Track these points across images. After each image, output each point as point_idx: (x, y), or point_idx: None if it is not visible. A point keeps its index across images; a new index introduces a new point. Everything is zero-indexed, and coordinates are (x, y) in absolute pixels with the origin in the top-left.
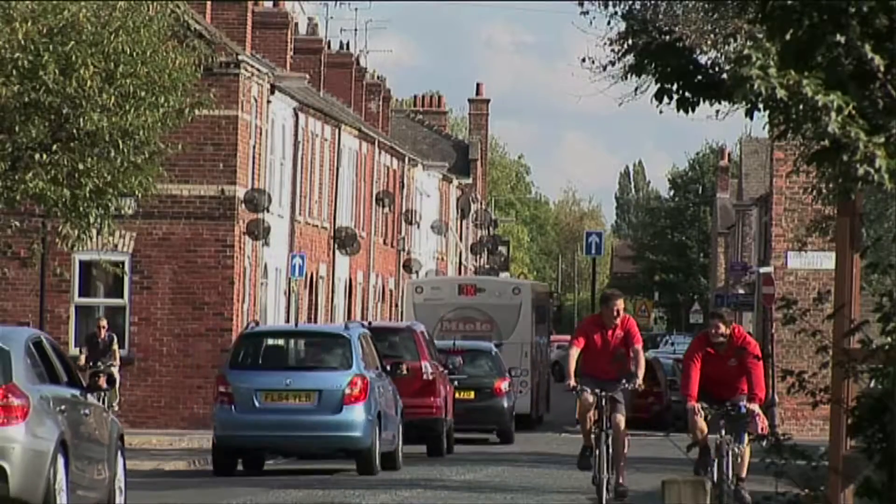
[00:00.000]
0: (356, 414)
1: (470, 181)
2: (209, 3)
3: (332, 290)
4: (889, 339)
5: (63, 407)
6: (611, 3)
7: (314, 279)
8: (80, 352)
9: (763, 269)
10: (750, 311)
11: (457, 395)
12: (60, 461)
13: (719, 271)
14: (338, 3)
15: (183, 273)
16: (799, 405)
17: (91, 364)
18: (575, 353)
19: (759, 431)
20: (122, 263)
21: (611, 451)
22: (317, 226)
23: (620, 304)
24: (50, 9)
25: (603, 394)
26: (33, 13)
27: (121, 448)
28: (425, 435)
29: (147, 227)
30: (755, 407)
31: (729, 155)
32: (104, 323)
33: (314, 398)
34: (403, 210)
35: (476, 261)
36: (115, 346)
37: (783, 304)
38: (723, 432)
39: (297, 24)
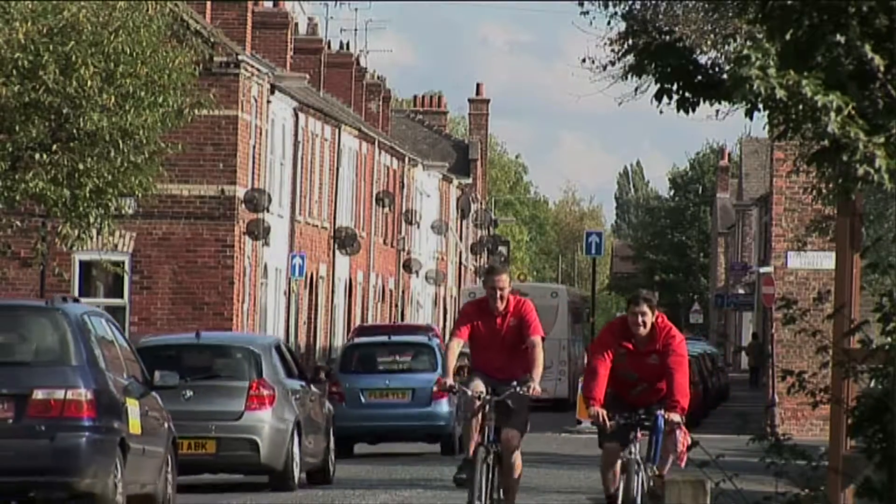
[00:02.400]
0: (442, 407)
1: (470, 181)
2: (209, 2)
3: (332, 290)
4: (889, 339)
5: (297, 395)
6: (611, 3)
7: (314, 279)
8: None
9: (763, 269)
10: (750, 311)
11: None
12: (296, 437)
13: (719, 271)
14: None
15: (183, 273)
16: (799, 405)
17: None
18: (455, 346)
19: (679, 449)
20: (122, 263)
21: (494, 477)
22: (317, 226)
23: (504, 280)
24: (50, 9)
25: (488, 397)
26: (33, 13)
27: (332, 426)
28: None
29: (147, 227)
30: (676, 418)
31: (729, 155)
32: None
33: (408, 395)
34: (403, 210)
35: (476, 261)
36: None
37: (783, 304)
38: (633, 448)
39: (297, 24)
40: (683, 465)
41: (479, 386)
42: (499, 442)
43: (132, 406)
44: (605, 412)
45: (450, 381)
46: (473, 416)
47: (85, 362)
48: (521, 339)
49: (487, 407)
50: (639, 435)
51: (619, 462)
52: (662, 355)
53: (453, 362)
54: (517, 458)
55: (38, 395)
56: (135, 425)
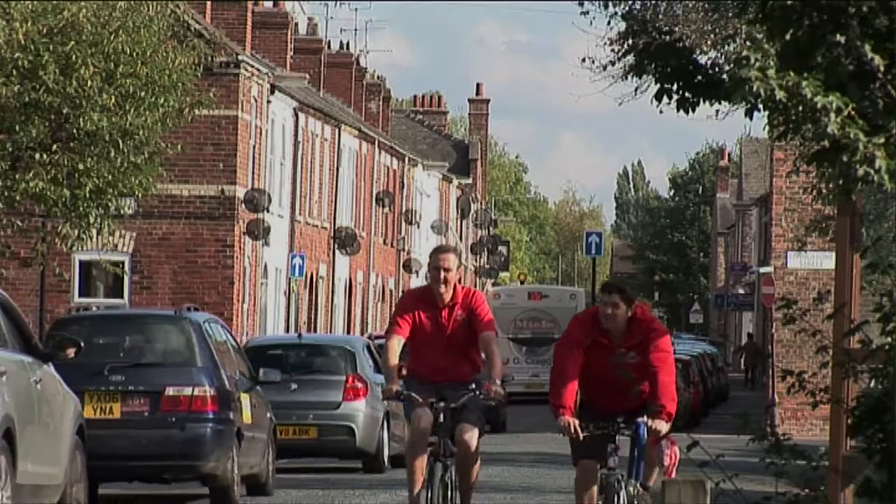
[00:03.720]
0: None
1: (470, 181)
2: (209, 3)
3: (332, 290)
4: (889, 339)
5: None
6: (611, 3)
7: (314, 279)
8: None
9: (763, 269)
10: (750, 311)
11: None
12: (386, 425)
13: (719, 271)
14: (338, 3)
15: (183, 273)
16: (799, 405)
17: None
18: (396, 344)
19: (666, 462)
20: (122, 263)
21: (454, 492)
22: (317, 226)
23: (450, 260)
24: (50, 9)
25: (442, 405)
26: (33, 13)
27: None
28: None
29: (147, 227)
30: (662, 426)
31: (729, 155)
32: None
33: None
34: (403, 210)
35: (476, 261)
36: None
37: (783, 304)
38: (612, 463)
39: (297, 24)
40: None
41: (425, 402)
42: (452, 456)
43: (244, 399)
44: (576, 422)
45: (396, 385)
46: (424, 433)
47: (207, 363)
48: (470, 337)
49: (442, 417)
50: (618, 447)
51: (598, 482)
52: (643, 352)
53: (395, 362)
54: (476, 460)
55: (170, 391)
56: (247, 416)
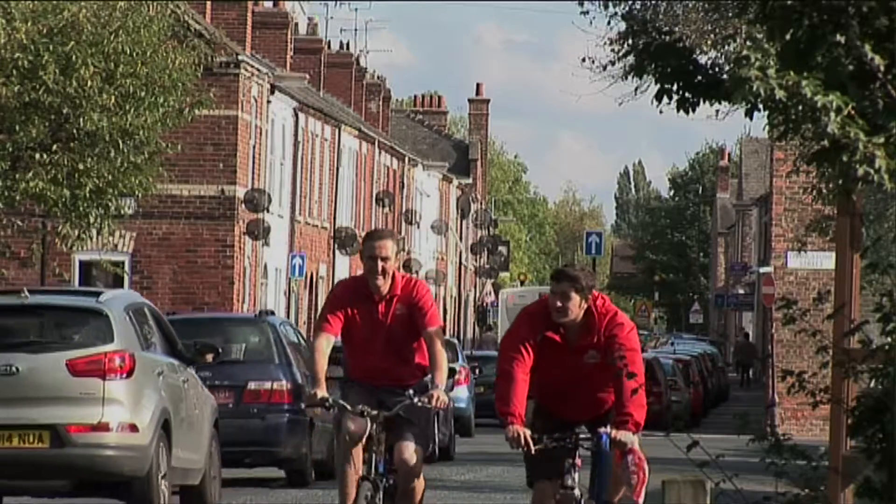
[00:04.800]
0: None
1: (470, 181)
2: (209, 3)
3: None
4: (889, 339)
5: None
6: (611, 3)
7: (314, 279)
8: None
9: (763, 269)
10: (750, 311)
11: None
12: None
13: (719, 271)
14: (338, 3)
15: (183, 273)
16: (799, 405)
17: None
18: (324, 344)
19: (634, 480)
20: (122, 263)
21: None
22: (317, 226)
23: (387, 247)
24: (50, 9)
25: (375, 413)
26: (33, 13)
27: None
28: None
29: (147, 227)
30: (628, 437)
31: (729, 155)
32: None
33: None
34: (403, 210)
35: (476, 261)
36: None
37: (783, 304)
38: (569, 481)
39: (297, 24)
40: (640, 501)
41: (356, 410)
42: (391, 473)
43: None
44: (527, 432)
45: (321, 391)
46: (355, 444)
47: (283, 361)
48: (413, 334)
49: (374, 427)
50: (578, 462)
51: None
52: (605, 351)
53: (324, 365)
54: (418, 482)
55: (251, 386)
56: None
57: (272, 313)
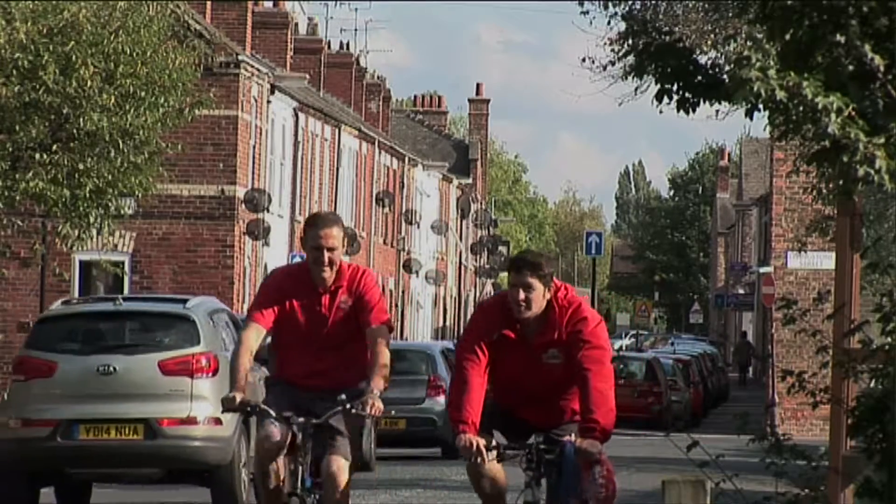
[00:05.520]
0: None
1: (470, 181)
2: (209, 3)
3: None
4: (889, 339)
5: None
6: (611, 3)
7: None
8: None
9: (763, 269)
10: (750, 311)
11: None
12: None
13: (719, 271)
14: (338, 3)
15: (183, 273)
16: (799, 405)
17: None
18: (253, 337)
19: (602, 494)
20: (122, 263)
21: None
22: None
23: (334, 237)
24: (50, 9)
25: (302, 420)
26: (33, 13)
27: None
28: None
29: (147, 227)
30: (595, 447)
31: (729, 155)
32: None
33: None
34: (403, 210)
35: (476, 261)
36: None
37: (783, 304)
38: (534, 495)
39: (297, 24)
40: None
41: (278, 418)
42: (317, 487)
43: None
44: (481, 441)
45: (238, 395)
46: (273, 457)
47: None
48: (357, 331)
49: (301, 436)
50: (540, 475)
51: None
52: (569, 349)
53: (247, 364)
54: (343, 498)
55: None
56: None
57: None
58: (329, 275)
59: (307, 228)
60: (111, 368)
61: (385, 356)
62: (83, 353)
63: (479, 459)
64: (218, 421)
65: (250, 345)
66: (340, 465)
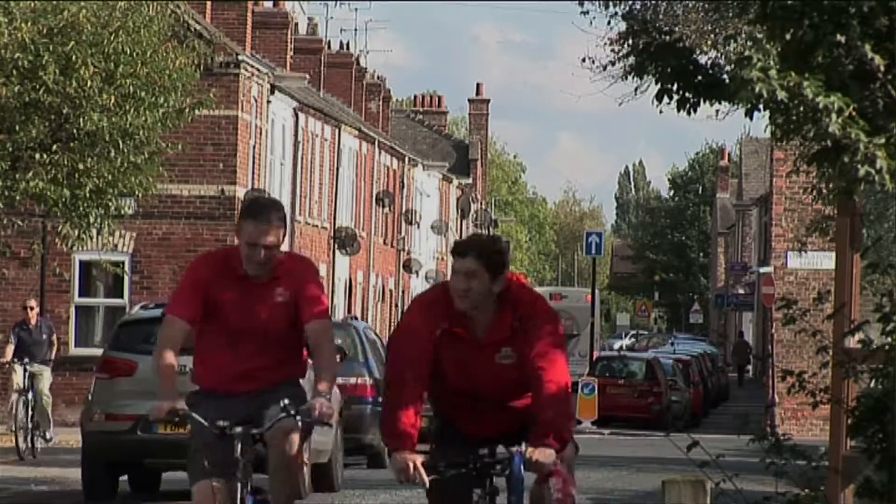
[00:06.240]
0: None
1: (470, 181)
2: (209, 3)
3: (332, 290)
4: (889, 339)
5: None
6: (611, 3)
7: None
8: (10, 341)
9: (763, 269)
10: (750, 311)
11: None
12: None
13: (719, 271)
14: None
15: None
16: (799, 405)
17: (17, 360)
18: (176, 333)
19: None
20: (122, 263)
21: None
22: (317, 226)
23: (273, 233)
24: (50, 9)
25: (241, 430)
26: (33, 13)
27: None
28: None
29: (147, 227)
30: (548, 457)
31: (729, 155)
32: (33, 303)
33: None
34: (403, 210)
35: None
36: (55, 338)
37: (783, 304)
38: None
39: (297, 24)
40: None
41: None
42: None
43: None
44: (418, 459)
45: (170, 402)
46: (212, 473)
47: (366, 360)
48: (296, 327)
49: (240, 446)
50: (492, 492)
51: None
52: (521, 345)
53: (175, 363)
54: (298, 469)
55: (338, 380)
56: None
57: (356, 318)
58: (261, 264)
59: (243, 219)
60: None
61: (331, 354)
62: None
63: (416, 481)
64: None
65: (175, 343)
66: (291, 436)
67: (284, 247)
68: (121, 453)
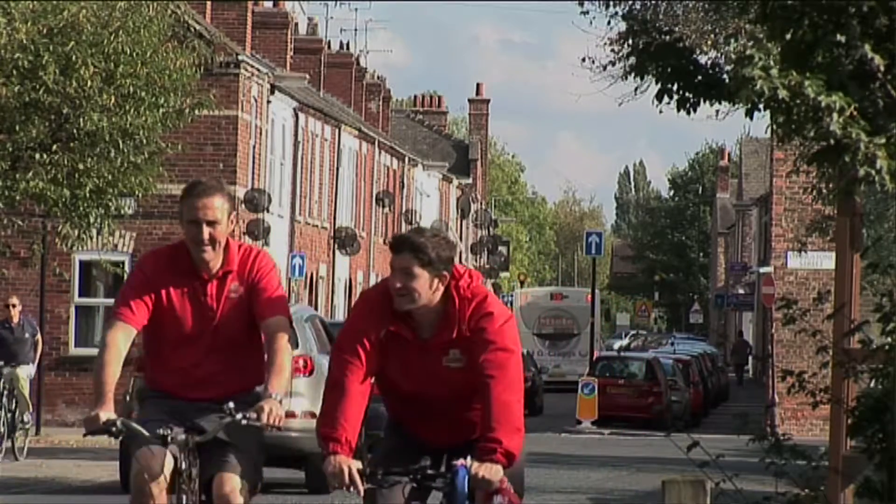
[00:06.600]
0: None
1: (470, 181)
2: (209, 3)
3: (332, 290)
4: (889, 339)
5: None
6: (611, 3)
7: (314, 279)
8: None
9: (763, 269)
10: (750, 311)
11: None
12: None
13: (719, 271)
14: (338, 3)
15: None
16: (799, 405)
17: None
18: (120, 339)
19: None
20: (122, 263)
21: None
22: (317, 226)
23: (216, 207)
24: (50, 9)
25: (182, 438)
26: (33, 13)
27: None
28: None
29: (147, 227)
30: (495, 472)
31: (729, 155)
32: (15, 301)
33: None
34: (403, 210)
35: (476, 261)
36: (38, 338)
37: (783, 304)
38: None
39: (297, 24)
40: None
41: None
42: None
43: None
44: (354, 466)
45: (107, 411)
46: (149, 480)
47: None
48: (251, 327)
49: (182, 454)
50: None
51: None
52: (470, 350)
53: (116, 372)
54: None
55: None
56: None
57: None
58: (212, 255)
59: (183, 199)
60: None
61: (285, 353)
62: None
63: (351, 489)
64: (313, 415)
65: (118, 350)
66: (234, 486)
67: (284, 247)
68: None
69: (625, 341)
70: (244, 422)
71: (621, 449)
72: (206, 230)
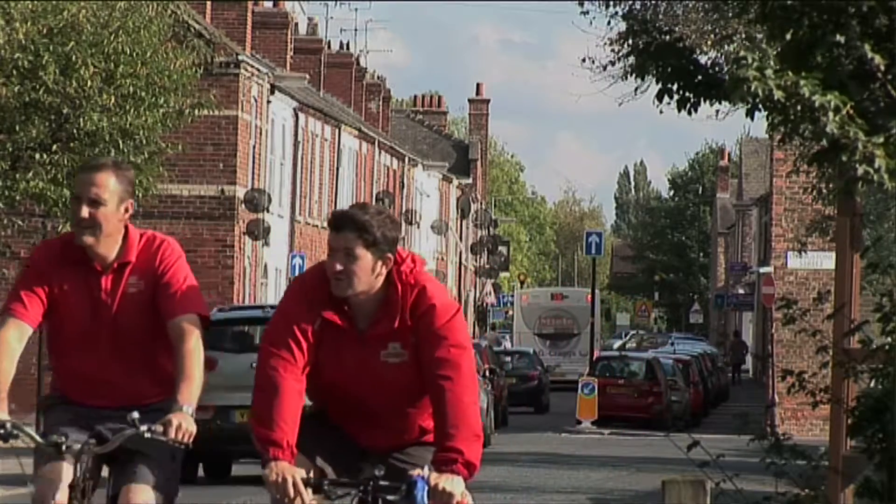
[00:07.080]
0: None
1: (470, 181)
2: (209, 3)
3: None
4: (889, 339)
5: None
6: (611, 3)
7: None
8: None
9: (763, 269)
10: (750, 311)
11: None
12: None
13: (719, 271)
14: (338, 3)
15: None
16: (799, 405)
17: None
18: (12, 336)
19: None
20: None
21: None
22: (317, 226)
23: (104, 183)
24: (50, 9)
25: (78, 447)
26: (33, 13)
27: None
28: None
29: (147, 228)
30: (456, 485)
31: (729, 155)
32: None
33: None
34: (403, 210)
35: (476, 261)
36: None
37: (783, 304)
38: None
39: (297, 24)
40: None
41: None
42: None
43: None
44: (298, 474)
45: (1, 412)
46: (48, 497)
47: None
48: (157, 325)
49: (80, 466)
50: None
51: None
52: (416, 344)
53: (8, 369)
54: None
55: None
56: None
57: None
58: (92, 241)
59: (76, 178)
60: (254, 365)
61: (193, 357)
62: (237, 352)
63: (295, 500)
64: None
65: (10, 348)
66: (146, 500)
67: (284, 247)
68: (203, 440)
69: (622, 341)
70: (148, 435)
71: (621, 449)
72: (86, 209)
